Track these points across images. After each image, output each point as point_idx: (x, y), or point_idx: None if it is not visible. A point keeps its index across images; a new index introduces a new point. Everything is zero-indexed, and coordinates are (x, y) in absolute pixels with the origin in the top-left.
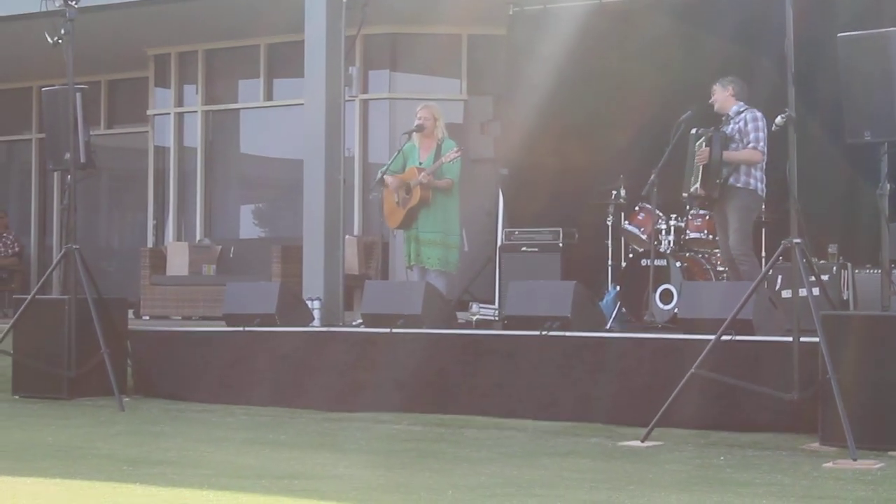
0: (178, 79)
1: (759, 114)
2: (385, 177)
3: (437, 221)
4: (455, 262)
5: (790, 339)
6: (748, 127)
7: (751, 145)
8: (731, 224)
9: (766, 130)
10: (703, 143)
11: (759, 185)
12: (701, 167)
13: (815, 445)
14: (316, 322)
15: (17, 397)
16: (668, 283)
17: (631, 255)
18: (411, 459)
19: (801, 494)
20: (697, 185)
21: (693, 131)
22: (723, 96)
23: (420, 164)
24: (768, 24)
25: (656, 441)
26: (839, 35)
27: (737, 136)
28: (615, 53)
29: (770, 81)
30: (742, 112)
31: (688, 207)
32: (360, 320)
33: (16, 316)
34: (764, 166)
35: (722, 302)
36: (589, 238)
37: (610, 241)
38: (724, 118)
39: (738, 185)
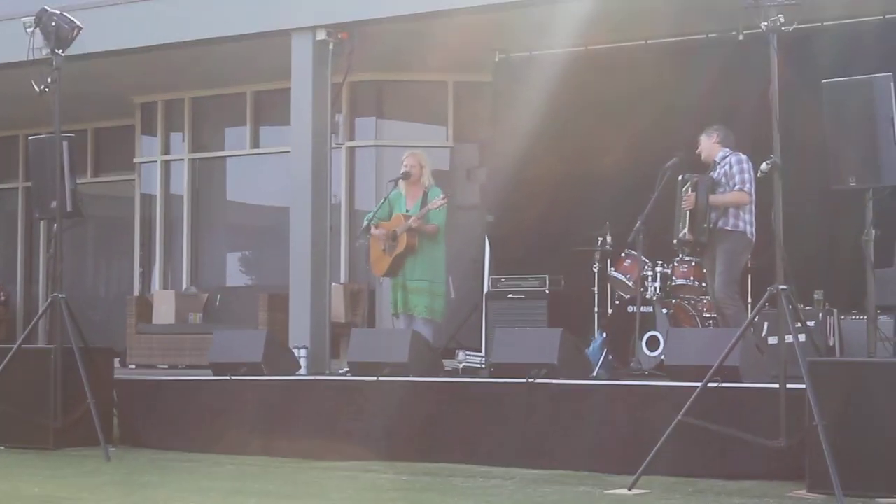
0: (165, 126)
1: (743, 157)
2: (371, 226)
3: (423, 269)
4: (441, 310)
5: (777, 385)
6: (733, 170)
7: (737, 187)
8: (718, 267)
9: (752, 172)
10: (689, 189)
11: (748, 227)
12: (688, 212)
13: (803, 493)
14: (302, 370)
15: (2, 448)
16: (655, 329)
17: (617, 302)
18: None
19: None
20: (685, 230)
21: (680, 178)
22: (708, 144)
23: (407, 211)
24: (751, 68)
25: (644, 489)
26: (824, 81)
27: (723, 181)
28: (601, 100)
29: (753, 126)
30: (727, 156)
31: (679, 255)
32: (347, 368)
33: (1, 366)
34: (753, 209)
35: (708, 349)
36: (575, 285)
37: (596, 288)
38: (711, 165)
39: (727, 227)
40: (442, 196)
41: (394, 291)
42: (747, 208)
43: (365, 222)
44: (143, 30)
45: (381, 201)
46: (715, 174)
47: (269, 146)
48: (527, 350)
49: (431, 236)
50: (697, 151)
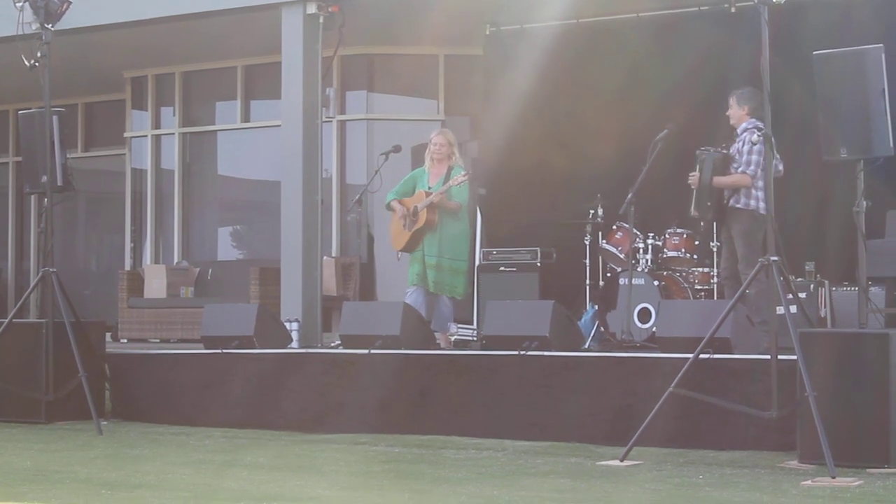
0: (155, 101)
1: (757, 136)
2: (392, 203)
3: (441, 246)
4: (463, 287)
5: (768, 357)
6: (744, 148)
7: (741, 169)
8: (739, 250)
9: (762, 153)
10: (698, 167)
11: (759, 204)
12: (694, 191)
13: (794, 463)
14: (294, 343)
15: None
16: (646, 301)
17: (609, 274)
18: (391, 480)
19: None
20: (692, 207)
21: (697, 152)
22: (738, 114)
23: (429, 188)
24: (742, 41)
25: (635, 460)
26: (815, 53)
27: (737, 157)
28: (591, 72)
29: None
30: (746, 131)
31: (694, 226)
32: (339, 341)
33: None
34: (760, 184)
35: (700, 320)
36: (567, 257)
37: (588, 261)
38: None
39: (739, 206)
40: (464, 173)
41: (412, 264)
42: (757, 185)
43: (388, 199)
44: (133, 4)
45: (405, 178)
46: (733, 148)
47: (260, 120)
48: (519, 322)
49: (453, 213)
50: (727, 114)
